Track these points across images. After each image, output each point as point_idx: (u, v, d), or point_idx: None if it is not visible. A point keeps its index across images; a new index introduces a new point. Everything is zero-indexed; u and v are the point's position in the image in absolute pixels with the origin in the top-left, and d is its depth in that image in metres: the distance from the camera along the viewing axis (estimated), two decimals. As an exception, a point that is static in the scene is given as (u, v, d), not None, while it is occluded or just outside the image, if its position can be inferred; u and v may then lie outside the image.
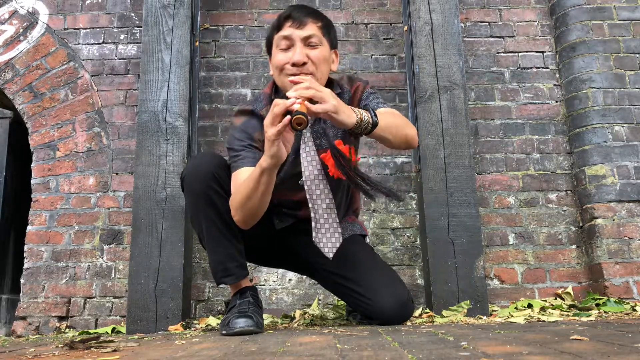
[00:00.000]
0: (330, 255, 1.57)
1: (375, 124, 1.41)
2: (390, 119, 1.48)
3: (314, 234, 1.58)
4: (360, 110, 1.41)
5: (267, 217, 1.69)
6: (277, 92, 1.61)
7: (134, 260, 2.11)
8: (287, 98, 1.37)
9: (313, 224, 1.57)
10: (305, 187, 1.56)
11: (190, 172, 1.57)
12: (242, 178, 1.47)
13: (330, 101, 1.32)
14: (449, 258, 2.08)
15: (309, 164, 1.56)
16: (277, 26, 1.53)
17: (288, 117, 1.26)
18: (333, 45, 1.60)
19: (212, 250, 1.57)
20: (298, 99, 1.29)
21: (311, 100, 1.32)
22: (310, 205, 1.55)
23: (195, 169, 1.56)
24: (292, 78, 1.45)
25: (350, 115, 1.36)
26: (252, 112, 1.58)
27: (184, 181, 1.59)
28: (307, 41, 1.50)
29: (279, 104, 1.28)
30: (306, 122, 1.25)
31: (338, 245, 1.58)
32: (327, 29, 1.56)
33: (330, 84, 1.63)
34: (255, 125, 1.56)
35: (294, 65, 1.48)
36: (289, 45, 1.50)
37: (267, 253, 1.77)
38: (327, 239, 1.58)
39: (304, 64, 1.48)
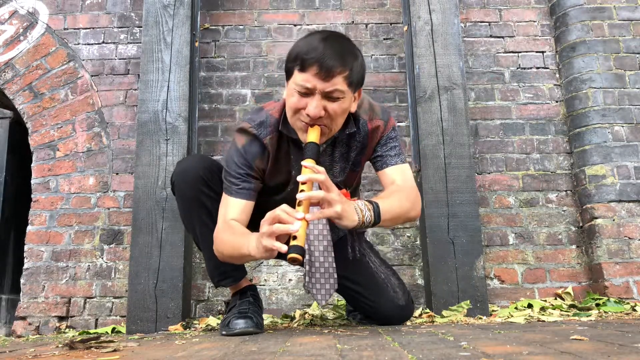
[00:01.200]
0: (322, 303, 1.49)
1: (375, 223, 1.38)
2: (396, 209, 1.42)
3: (307, 279, 1.49)
4: (362, 208, 1.35)
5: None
6: (286, 119, 1.47)
7: (134, 260, 2.11)
8: (293, 133, 1.41)
9: (307, 268, 1.49)
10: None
11: (179, 177, 1.54)
12: (232, 208, 1.44)
13: (335, 207, 1.27)
14: (449, 258, 2.08)
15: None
16: (302, 65, 1.33)
17: (285, 248, 1.19)
18: (357, 88, 1.43)
19: (207, 254, 1.56)
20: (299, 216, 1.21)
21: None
22: (306, 245, 1.39)
23: (184, 173, 1.53)
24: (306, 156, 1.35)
25: (352, 220, 1.31)
26: (256, 137, 1.48)
27: (174, 185, 1.58)
28: (328, 95, 1.34)
29: (281, 219, 1.21)
30: (301, 263, 1.21)
31: (333, 292, 1.49)
32: (354, 77, 1.37)
33: (347, 117, 1.49)
34: (256, 151, 1.48)
35: (308, 115, 1.35)
36: (308, 93, 1.34)
37: None
38: (321, 285, 1.49)
39: (320, 117, 1.35)
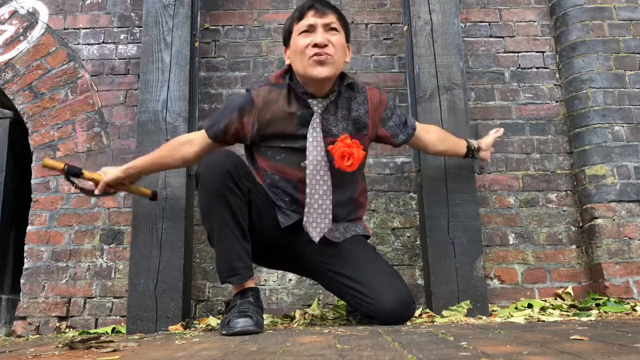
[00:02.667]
0: (317, 239, 1.64)
1: (479, 149, 1.96)
2: (451, 144, 2.01)
3: (305, 218, 1.64)
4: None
5: (274, 217, 1.69)
6: (292, 78, 1.70)
7: (134, 260, 2.11)
8: (301, 86, 1.66)
9: (306, 209, 1.64)
10: (307, 170, 1.63)
11: (206, 170, 1.56)
12: (193, 137, 1.80)
13: None
14: (449, 258, 2.08)
15: (314, 148, 1.64)
16: (299, 16, 1.64)
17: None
18: (347, 39, 1.73)
19: (220, 249, 1.57)
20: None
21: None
22: (307, 188, 1.63)
23: (211, 166, 1.56)
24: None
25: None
26: (247, 90, 1.73)
27: (199, 178, 1.58)
28: (328, 27, 1.63)
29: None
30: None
31: (326, 231, 1.65)
32: (344, 21, 1.70)
33: (342, 77, 1.74)
34: (244, 101, 1.70)
35: (315, 46, 1.59)
36: (310, 30, 1.62)
37: (273, 253, 1.78)
38: (317, 224, 1.64)
39: (326, 45, 1.60)
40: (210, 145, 1.76)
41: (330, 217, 1.65)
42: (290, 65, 1.72)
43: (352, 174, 1.69)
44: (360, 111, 1.74)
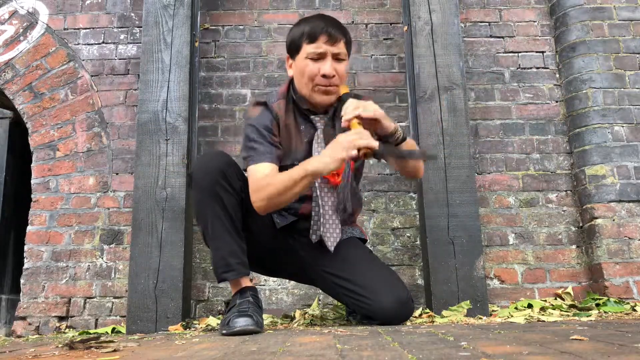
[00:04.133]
0: (332, 247, 1.67)
1: (404, 139, 1.64)
2: (412, 144, 1.70)
3: (320, 228, 1.67)
4: (396, 124, 1.63)
5: (269, 219, 1.71)
6: (295, 92, 1.71)
7: (134, 260, 2.11)
8: (304, 102, 1.67)
9: (317, 218, 1.67)
10: (317, 183, 1.65)
11: (199, 168, 1.61)
12: (263, 172, 1.58)
13: (379, 110, 1.58)
14: (449, 258, 2.08)
15: None
16: (311, 37, 1.61)
17: (376, 144, 1.45)
18: (349, 55, 1.73)
19: (215, 246, 1.59)
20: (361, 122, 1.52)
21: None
22: (318, 200, 1.67)
23: (204, 164, 1.61)
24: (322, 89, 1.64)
25: (389, 124, 1.60)
26: (266, 104, 1.69)
27: (192, 177, 1.63)
28: (336, 56, 1.63)
29: (364, 137, 1.46)
30: (372, 155, 1.46)
31: (338, 240, 1.69)
32: (350, 43, 1.71)
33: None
34: (268, 116, 1.67)
35: (323, 76, 1.61)
36: (319, 57, 1.62)
37: (268, 257, 1.78)
38: (330, 234, 1.68)
39: (333, 76, 1.62)
40: (277, 168, 1.64)
41: (340, 227, 1.71)
42: (292, 79, 1.73)
43: (352, 182, 1.72)
44: None
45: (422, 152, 1.83)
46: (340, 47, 1.63)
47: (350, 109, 1.53)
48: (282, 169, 1.66)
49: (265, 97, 1.73)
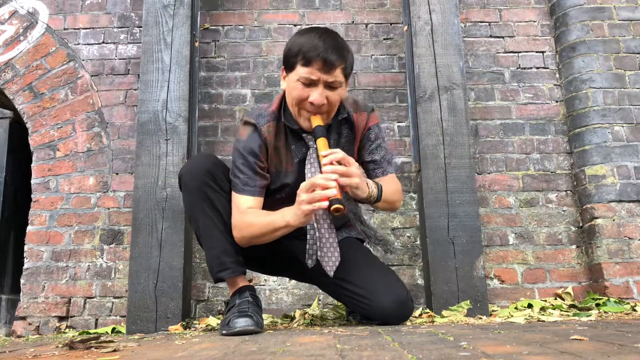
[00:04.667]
0: (332, 273, 1.62)
1: (378, 200, 1.59)
2: (389, 194, 1.63)
3: (317, 252, 1.62)
4: (371, 186, 1.56)
5: None
6: (286, 109, 1.63)
7: (134, 260, 2.11)
8: (295, 122, 1.59)
9: (313, 242, 1.63)
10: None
11: (186, 170, 1.62)
12: (245, 205, 1.56)
13: (354, 179, 1.47)
14: (449, 258, 2.08)
15: None
16: (306, 60, 1.49)
17: (326, 204, 1.39)
18: (348, 78, 1.60)
19: (208, 246, 1.60)
20: (333, 186, 1.41)
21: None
22: (313, 224, 1.61)
23: (191, 167, 1.61)
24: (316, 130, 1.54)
25: (364, 191, 1.52)
26: (255, 127, 1.62)
27: (181, 179, 1.64)
28: (329, 85, 1.52)
29: (319, 185, 1.40)
30: (342, 210, 1.38)
31: (337, 263, 1.63)
32: (348, 69, 1.57)
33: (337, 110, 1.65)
34: (258, 139, 1.61)
35: (311, 103, 1.52)
36: (311, 83, 1.51)
37: (265, 258, 1.77)
38: (329, 258, 1.63)
39: (322, 105, 1.53)
40: (261, 200, 1.62)
41: (339, 250, 1.63)
42: (284, 93, 1.64)
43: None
44: (349, 137, 1.69)
45: (378, 237, 1.72)
46: (336, 75, 1.50)
47: (339, 171, 1.44)
48: (271, 192, 1.65)
49: (255, 116, 1.63)
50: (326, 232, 1.62)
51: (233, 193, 1.60)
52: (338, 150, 1.49)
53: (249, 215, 1.55)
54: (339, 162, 1.46)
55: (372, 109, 1.73)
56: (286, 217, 1.50)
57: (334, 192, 1.38)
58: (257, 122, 1.61)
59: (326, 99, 1.52)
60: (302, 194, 1.43)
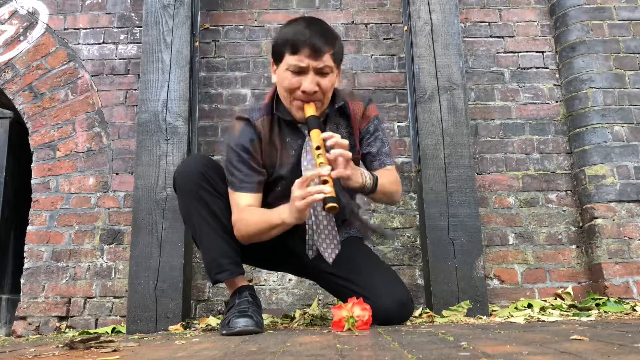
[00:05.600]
0: (330, 260, 1.63)
1: (373, 191, 1.56)
2: (386, 186, 1.60)
3: (315, 240, 1.63)
4: (366, 175, 1.54)
5: None
6: (278, 102, 1.63)
7: (134, 260, 2.11)
8: (288, 113, 1.58)
9: (312, 232, 1.64)
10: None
11: (179, 174, 1.61)
12: (244, 203, 1.56)
13: (348, 169, 1.45)
14: (449, 258, 2.08)
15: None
16: (293, 48, 1.49)
17: (321, 196, 1.36)
18: (339, 64, 1.61)
19: (205, 248, 1.59)
20: (326, 179, 1.39)
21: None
22: (312, 219, 1.62)
23: (184, 170, 1.60)
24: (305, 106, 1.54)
25: (357, 181, 1.50)
26: (248, 121, 1.62)
27: (175, 184, 1.63)
28: (319, 71, 1.51)
29: (312, 189, 1.38)
30: (336, 209, 1.36)
31: (337, 252, 1.65)
32: (338, 54, 1.58)
33: (333, 95, 1.65)
34: (250, 133, 1.61)
35: (303, 92, 1.51)
36: (301, 71, 1.51)
37: (266, 254, 1.77)
38: (327, 245, 1.64)
39: (315, 92, 1.52)
40: (259, 196, 1.62)
41: (338, 238, 1.66)
42: (276, 87, 1.65)
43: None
44: (347, 128, 1.68)
45: (375, 227, 1.75)
46: (325, 60, 1.50)
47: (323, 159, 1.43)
48: (268, 185, 1.64)
49: (248, 112, 1.64)
50: (324, 219, 1.63)
51: (230, 191, 1.59)
52: (333, 134, 1.45)
53: (247, 213, 1.55)
54: (333, 147, 1.43)
55: (369, 99, 1.72)
56: (282, 214, 1.49)
57: (328, 189, 1.36)
58: (251, 116, 1.62)
59: (318, 86, 1.51)
60: (295, 190, 1.41)
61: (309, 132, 1.52)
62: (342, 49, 1.63)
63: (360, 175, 1.52)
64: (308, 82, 1.50)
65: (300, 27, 1.52)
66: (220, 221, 1.57)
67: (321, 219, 1.63)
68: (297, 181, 1.43)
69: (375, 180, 1.57)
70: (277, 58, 1.57)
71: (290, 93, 1.54)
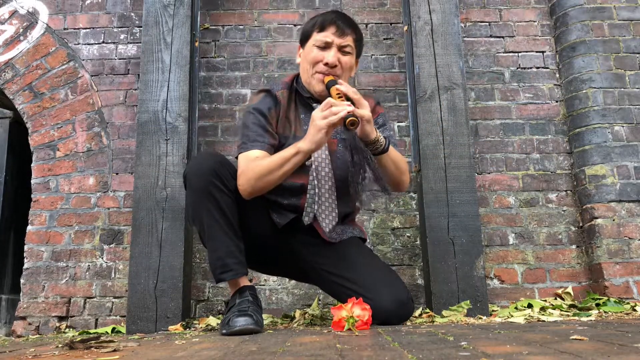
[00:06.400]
0: (327, 229, 1.68)
1: (385, 150, 1.60)
2: (398, 157, 1.68)
3: (315, 207, 1.68)
4: (380, 133, 1.60)
5: (267, 217, 1.71)
6: (298, 83, 1.77)
7: (134, 260, 2.11)
8: (306, 90, 1.72)
9: (312, 200, 1.68)
10: (313, 167, 1.68)
11: (192, 169, 1.61)
12: (252, 156, 1.60)
13: (366, 111, 1.53)
14: (449, 258, 2.08)
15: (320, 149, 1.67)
16: (321, 27, 1.69)
17: (344, 113, 1.43)
18: (358, 55, 1.78)
19: (211, 247, 1.59)
20: (349, 104, 1.48)
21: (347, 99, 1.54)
22: (314, 184, 1.68)
23: (197, 165, 1.60)
24: (325, 78, 1.66)
25: (372, 131, 1.56)
26: (269, 91, 1.74)
27: (186, 178, 1.62)
28: (342, 48, 1.69)
29: (337, 105, 1.46)
30: (358, 124, 1.45)
31: (334, 224, 1.70)
32: (359, 42, 1.76)
33: None
34: (269, 102, 1.71)
35: (326, 64, 1.66)
36: (326, 47, 1.68)
37: (267, 256, 1.77)
38: (326, 215, 1.69)
39: (335, 66, 1.67)
40: (266, 155, 1.66)
41: (337, 211, 1.71)
42: (298, 74, 1.80)
43: (349, 181, 1.73)
44: None
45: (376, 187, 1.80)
46: (348, 41, 1.68)
47: (351, 91, 1.55)
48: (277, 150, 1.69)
49: (270, 84, 1.79)
50: (327, 192, 1.69)
51: (240, 155, 1.64)
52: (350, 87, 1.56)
53: (255, 162, 1.58)
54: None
55: (377, 100, 1.87)
56: (298, 143, 1.52)
57: (350, 107, 1.45)
58: (272, 88, 1.75)
59: (339, 62, 1.67)
60: (316, 113, 1.48)
61: (328, 90, 1.61)
62: (363, 43, 1.81)
63: (375, 130, 1.58)
64: (331, 56, 1.66)
65: (330, 13, 1.73)
66: (229, 219, 1.57)
67: (324, 191, 1.69)
68: (318, 107, 1.51)
69: (388, 142, 1.63)
70: (304, 38, 1.73)
71: (313, 65, 1.68)
